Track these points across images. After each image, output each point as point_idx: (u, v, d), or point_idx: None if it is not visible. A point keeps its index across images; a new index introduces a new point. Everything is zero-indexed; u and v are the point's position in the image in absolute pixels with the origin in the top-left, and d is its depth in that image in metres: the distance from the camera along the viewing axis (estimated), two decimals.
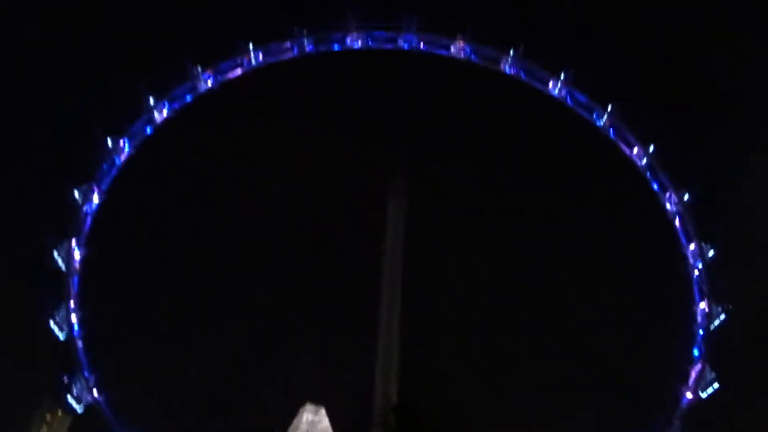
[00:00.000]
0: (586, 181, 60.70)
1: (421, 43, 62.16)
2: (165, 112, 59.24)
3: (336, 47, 61.99)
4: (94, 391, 52.19)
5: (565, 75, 61.37)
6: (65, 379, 51.10)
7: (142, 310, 55.90)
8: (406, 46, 61.88)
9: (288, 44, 61.13)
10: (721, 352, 55.35)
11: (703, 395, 53.77)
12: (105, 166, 56.77)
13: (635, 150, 60.94)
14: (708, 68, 79.01)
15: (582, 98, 61.83)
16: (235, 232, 58.69)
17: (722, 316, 55.29)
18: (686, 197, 59.07)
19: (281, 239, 58.37)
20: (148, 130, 59.03)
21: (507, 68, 61.71)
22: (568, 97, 61.95)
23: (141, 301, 56.23)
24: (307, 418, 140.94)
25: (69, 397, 51.73)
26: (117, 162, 57.51)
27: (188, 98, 60.08)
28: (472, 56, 62.11)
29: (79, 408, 51.71)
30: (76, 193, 55.18)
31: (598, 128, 61.55)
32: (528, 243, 58.61)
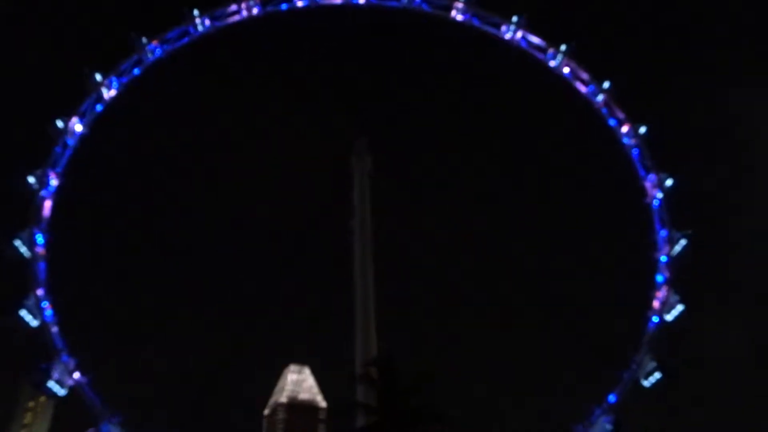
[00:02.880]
0: (544, 121, 61.30)
1: None
2: (114, 88, 57.63)
3: (283, 6, 60.63)
4: (76, 374, 52.00)
5: (517, 18, 61.33)
6: (43, 366, 50.80)
7: (115, 288, 55.56)
8: (355, 0, 60.84)
9: (234, 7, 59.61)
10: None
11: (669, 318, 55.61)
12: (58, 149, 55.21)
13: (590, 87, 61.69)
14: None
15: (535, 40, 61.92)
16: (200, 202, 58.29)
17: (683, 242, 56.95)
18: (642, 130, 60.15)
19: (248, 208, 58.21)
20: (99, 108, 57.46)
21: (458, 15, 61.28)
22: (522, 40, 62.00)
23: (112, 280, 55.82)
24: (292, 378, 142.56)
25: (50, 382, 51.40)
26: (70, 143, 56.03)
27: (136, 71, 58.45)
28: (423, 5, 61.36)
29: (61, 392, 51.60)
30: (31, 179, 53.73)
31: (552, 69, 61.98)
32: (490, 186, 59.54)
